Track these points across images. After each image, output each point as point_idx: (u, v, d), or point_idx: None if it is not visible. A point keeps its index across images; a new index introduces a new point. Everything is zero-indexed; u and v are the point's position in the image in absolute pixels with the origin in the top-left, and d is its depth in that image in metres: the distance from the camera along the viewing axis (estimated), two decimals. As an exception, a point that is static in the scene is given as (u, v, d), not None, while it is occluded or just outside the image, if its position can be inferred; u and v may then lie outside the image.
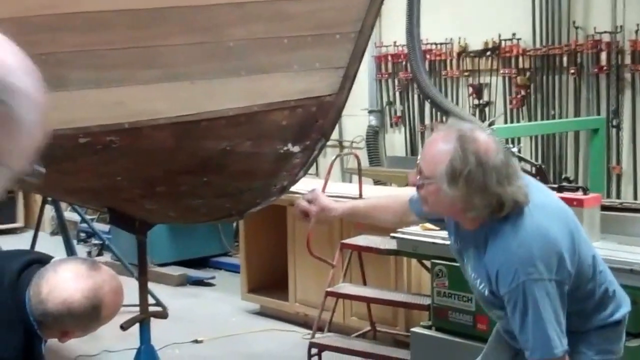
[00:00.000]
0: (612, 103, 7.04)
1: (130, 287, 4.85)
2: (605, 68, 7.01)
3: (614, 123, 6.98)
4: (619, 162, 7.04)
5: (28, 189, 7.01)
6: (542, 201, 2.66)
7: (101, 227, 8.35)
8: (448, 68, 8.04)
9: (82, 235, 8.90)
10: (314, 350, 5.39)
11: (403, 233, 4.74)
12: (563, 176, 6.22)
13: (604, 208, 4.36)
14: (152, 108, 3.27)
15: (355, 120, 8.32)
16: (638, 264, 3.75)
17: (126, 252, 6.86)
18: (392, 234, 4.88)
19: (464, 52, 7.89)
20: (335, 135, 8.39)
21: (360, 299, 5.57)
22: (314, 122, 3.18)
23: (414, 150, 8.27)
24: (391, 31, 8.03)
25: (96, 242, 8.54)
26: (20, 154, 1.11)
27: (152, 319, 4.32)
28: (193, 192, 3.58)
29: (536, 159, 7.40)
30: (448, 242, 2.98)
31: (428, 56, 7.92)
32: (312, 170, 8.22)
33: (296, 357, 5.61)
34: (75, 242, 8.84)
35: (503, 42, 7.59)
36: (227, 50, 3.11)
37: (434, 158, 2.57)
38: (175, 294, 7.43)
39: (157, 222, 4.10)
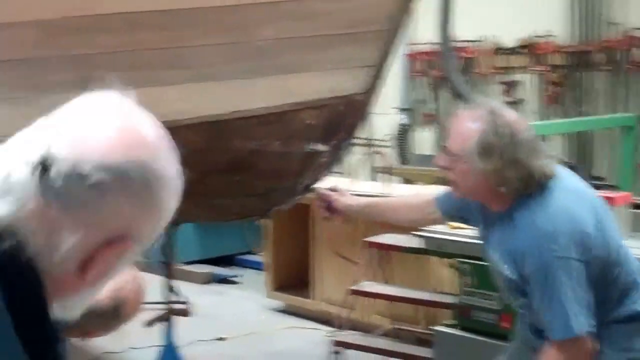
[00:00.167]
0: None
1: (155, 285, 4.97)
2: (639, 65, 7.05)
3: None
4: (650, 160, 7.04)
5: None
6: (572, 185, 2.75)
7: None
8: (481, 65, 8.08)
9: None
10: (336, 349, 5.46)
11: (429, 232, 4.77)
12: (593, 174, 6.25)
13: (635, 206, 4.42)
14: (182, 108, 3.34)
15: (386, 119, 8.36)
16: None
17: (152, 249, 6.99)
18: (417, 233, 4.92)
19: (497, 49, 7.93)
20: (364, 132, 8.45)
21: (384, 297, 5.61)
22: (343, 121, 3.25)
23: (443, 149, 8.25)
24: (424, 29, 8.04)
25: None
26: (155, 232, 1.21)
27: (176, 316, 4.40)
28: (222, 191, 3.64)
29: (568, 157, 7.42)
30: (474, 241, 3.05)
31: (461, 54, 7.93)
32: (340, 168, 8.29)
33: (319, 355, 5.66)
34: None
35: (536, 39, 7.62)
36: (257, 50, 3.17)
37: (464, 134, 2.65)
38: (200, 292, 7.50)
39: (185, 221, 4.16)
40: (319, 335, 6.21)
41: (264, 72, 3.22)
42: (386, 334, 5.80)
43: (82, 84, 3.49)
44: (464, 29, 7.68)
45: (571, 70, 7.49)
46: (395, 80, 8.25)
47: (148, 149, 1.15)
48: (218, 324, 6.53)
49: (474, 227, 3.04)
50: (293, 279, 6.96)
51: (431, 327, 4.93)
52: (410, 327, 5.80)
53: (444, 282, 5.61)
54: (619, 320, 2.77)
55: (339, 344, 5.46)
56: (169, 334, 4.36)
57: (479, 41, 8.05)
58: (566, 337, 2.64)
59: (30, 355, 1.09)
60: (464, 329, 4.59)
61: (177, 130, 3.32)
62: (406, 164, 8.30)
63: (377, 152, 7.72)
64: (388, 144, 8.28)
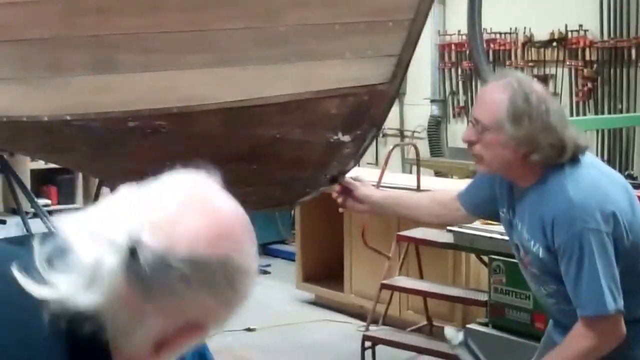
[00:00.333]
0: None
1: None
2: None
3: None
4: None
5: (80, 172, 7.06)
6: (605, 168, 2.68)
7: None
8: (512, 58, 7.88)
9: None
10: (367, 343, 5.33)
11: (460, 227, 4.66)
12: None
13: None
14: (202, 93, 3.23)
15: (417, 110, 8.22)
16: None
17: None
18: (448, 227, 4.80)
19: (529, 42, 7.72)
20: (396, 124, 8.31)
21: (415, 293, 5.49)
22: (366, 111, 3.08)
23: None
24: (456, 20, 7.89)
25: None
26: (230, 318, 1.25)
27: None
28: (244, 179, 3.51)
29: (602, 154, 7.23)
30: (506, 238, 2.91)
31: (492, 45, 7.79)
32: (372, 159, 8.16)
33: (349, 349, 5.55)
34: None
35: (570, 33, 7.40)
36: (279, 36, 3.05)
37: (493, 104, 2.55)
38: (230, 281, 7.40)
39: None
40: (350, 328, 6.08)
41: (286, 59, 3.08)
42: (420, 331, 5.66)
43: (101, 65, 3.37)
44: (496, 21, 7.52)
45: (605, 65, 7.26)
46: (427, 71, 8.10)
47: (234, 242, 1.18)
48: (247, 314, 6.29)
49: (500, 221, 2.87)
50: (324, 271, 6.81)
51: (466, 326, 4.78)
52: (445, 324, 5.61)
53: (479, 279, 5.44)
54: None
55: (370, 338, 5.32)
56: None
57: (511, 33, 7.84)
58: (598, 313, 2.50)
59: None
60: (496, 327, 4.45)
61: (197, 115, 3.25)
62: (438, 156, 8.12)
63: (409, 144, 7.56)
64: (420, 135, 8.12)
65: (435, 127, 8.22)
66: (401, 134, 8.35)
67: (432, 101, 8.28)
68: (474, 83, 8.21)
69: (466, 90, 8.31)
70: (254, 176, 3.47)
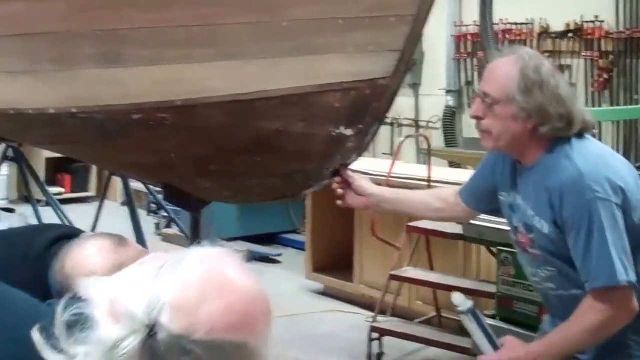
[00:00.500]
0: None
1: None
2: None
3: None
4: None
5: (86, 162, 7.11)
6: (610, 150, 2.72)
7: (170, 199, 8.42)
8: (528, 49, 7.84)
9: (153, 207, 8.98)
10: (374, 335, 5.37)
11: (470, 218, 4.66)
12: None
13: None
14: (205, 86, 3.28)
15: (433, 100, 8.23)
16: None
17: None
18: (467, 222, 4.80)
19: (545, 33, 7.70)
20: (411, 114, 8.32)
21: (424, 284, 5.52)
22: (368, 106, 3.11)
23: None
24: (471, 11, 7.88)
25: (165, 214, 8.63)
26: None
27: None
28: (246, 171, 3.57)
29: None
30: None
31: (507, 36, 7.77)
32: (387, 150, 8.18)
33: (357, 340, 5.58)
34: (145, 213, 8.98)
35: (585, 24, 7.38)
36: (282, 30, 3.09)
37: (504, 77, 2.58)
38: (240, 270, 7.44)
39: (212, 200, 4.11)
40: (358, 319, 6.11)
41: (289, 53, 3.12)
42: (429, 322, 5.69)
43: (107, 59, 3.42)
44: (512, 12, 7.51)
45: (621, 56, 7.24)
46: (442, 62, 8.10)
47: (251, 329, 1.21)
48: (255, 304, 6.41)
49: (500, 212, 2.88)
50: (333, 261, 6.85)
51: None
52: (454, 315, 5.64)
53: (490, 271, 5.46)
54: None
55: (377, 329, 5.36)
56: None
57: (526, 24, 7.83)
58: (610, 284, 2.48)
59: None
60: (504, 320, 4.46)
61: (200, 108, 3.30)
62: (453, 146, 8.12)
63: (420, 135, 7.56)
64: (435, 126, 8.13)
65: (451, 118, 8.23)
66: (416, 124, 8.36)
67: (448, 92, 8.28)
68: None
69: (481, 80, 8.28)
70: (257, 168, 3.52)
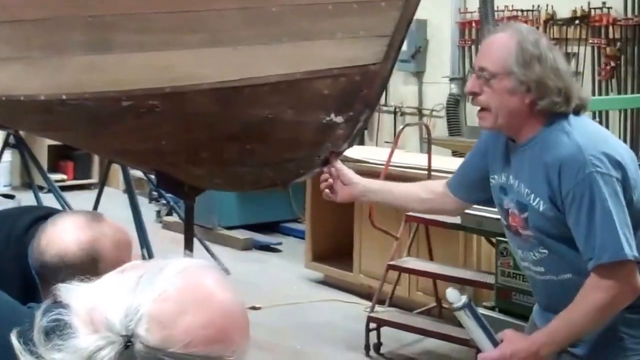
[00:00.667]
0: None
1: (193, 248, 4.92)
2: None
3: None
4: None
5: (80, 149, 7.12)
6: (608, 131, 2.73)
7: (170, 187, 8.43)
8: (524, 24, 7.79)
9: (154, 194, 9.00)
10: (372, 325, 5.36)
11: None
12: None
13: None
14: (195, 73, 3.28)
15: (436, 88, 8.19)
16: None
17: (194, 213, 6.89)
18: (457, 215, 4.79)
19: (551, 19, 7.65)
20: (415, 103, 8.29)
21: (422, 274, 5.51)
22: (358, 92, 3.10)
23: (495, 121, 8.08)
24: (475, -4, 7.85)
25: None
26: None
27: None
28: (237, 159, 3.58)
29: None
30: None
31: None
32: (390, 138, 8.16)
33: (356, 330, 5.59)
34: (147, 201, 9.00)
35: (592, 11, 7.33)
36: (270, 16, 3.09)
37: (501, 50, 2.56)
38: (239, 258, 7.48)
39: (205, 188, 4.11)
40: (358, 309, 6.11)
41: (277, 39, 3.12)
42: (428, 313, 5.68)
43: (96, 45, 3.41)
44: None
45: (629, 43, 7.19)
46: (447, 49, 8.06)
47: (228, 344, 1.20)
48: (253, 293, 6.45)
49: (491, 199, 2.85)
50: (334, 250, 6.85)
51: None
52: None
53: (490, 261, 5.46)
54: None
55: (375, 320, 5.36)
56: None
57: (532, 11, 7.78)
58: (616, 258, 2.43)
59: None
60: (502, 311, 4.46)
61: (189, 95, 3.30)
62: (457, 135, 8.10)
63: (420, 123, 7.53)
64: (439, 114, 8.10)
65: (454, 106, 8.18)
66: (420, 112, 8.33)
67: (452, 79, 8.24)
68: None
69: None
70: (248, 156, 3.52)
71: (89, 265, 2.31)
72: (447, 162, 6.09)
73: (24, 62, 3.66)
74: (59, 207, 6.92)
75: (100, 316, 1.17)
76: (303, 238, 7.38)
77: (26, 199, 7.87)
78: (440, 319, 5.56)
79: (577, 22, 7.48)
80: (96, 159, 10.63)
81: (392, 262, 5.47)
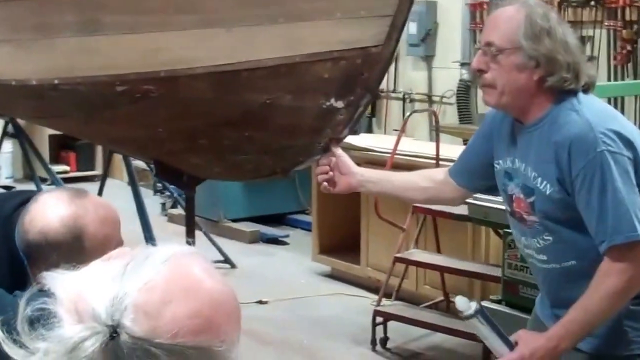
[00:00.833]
0: None
1: (198, 240, 4.89)
2: None
3: None
4: None
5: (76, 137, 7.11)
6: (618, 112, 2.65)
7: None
8: None
9: (158, 186, 8.96)
10: (379, 319, 5.32)
11: (475, 198, 4.59)
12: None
13: None
14: (188, 56, 3.26)
15: (447, 73, 8.10)
16: None
17: (197, 206, 6.85)
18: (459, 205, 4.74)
19: (565, 1, 7.57)
20: (424, 89, 8.22)
21: (430, 267, 5.46)
22: (359, 76, 3.06)
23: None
24: (487, -22, 7.77)
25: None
26: None
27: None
28: (236, 147, 3.56)
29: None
30: None
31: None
32: (398, 126, 8.08)
33: (362, 324, 5.55)
34: (152, 193, 8.97)
35: (608, -8, 7.26)
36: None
37: (508, 24, 2.49)
38: (246, 251, 7.44)
39: (204, 177, 4.08)
40: (365, 303, 6.06)
41: (273, 20, 3.09)
42: (436, 307, 5.64)
43: (87, 27, 3.38)
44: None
45: (646, 26, 7.12)
46: (457, 32, 7.97)
47: (217, 333, 1.18)
48: (260, 286, 6.43)
49: (495, 191, 2.81)
50: (341, 242, 6.78)
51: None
52: (463, 299, 5.59)
53: (499, 253, 5.40)
54: None
55: (381, 314, 5.32)
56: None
57: (547, -7, 7.70)
58: (629, 239, 2.39)
59: None
60: (509, 305, 4.41)
61: (184, 80, 3.27)
62: (468, 123, 8.02)
63: (427, 110, 7.45)
64: (449, 101, 8.02)
65: (465, 92, 8.09)
66: (429, 99, 8.25)
67: (462, 64, 8.14)
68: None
69: (499, 53, 8.17)
70: (247, 144, 3.50)
71: (74, 243, 2.28)
72: (457, 151, 6.00)
73: (14, 44, 3.63)
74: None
75: (85, 305, 1.16)
76: (310, 230, 7.34)
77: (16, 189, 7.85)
78: (448, 313, 5.49)
79: (592, 3, 7.40)
80: (99, 149, 10.58)
81: (398, 255, 5.41)
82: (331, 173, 3.03)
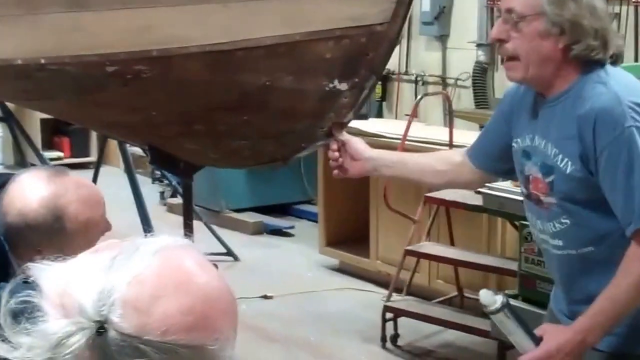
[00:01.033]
0: None
1: (199, 232, 4.88)
2: None
3: None
4: None
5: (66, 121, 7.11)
6: None
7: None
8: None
9: (157, 174, 8.95)
10: (389, 315, 5.32)
11: (490, 188, 4.59)
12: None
13: None
14: (182, 34, 3.24)
15: (462, 55, 8.05)
16: None
17: (198, 195, 6.84)
18: (479, 189, 4.73)
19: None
20: (438, 71, 8.17)
21: (443, 260, 5.45)
22: (364, 56, 3.03)
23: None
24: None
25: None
26: None
27: (222, 269, 4.30)
28: (233, 132, 3.55)
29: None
30: None
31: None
32: (410, 110, 8.05)
33: (372, 320, 5.55)
34: (150, 181, 8.96)
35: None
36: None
37: None
38: (249, 243, 7.44)
39: (201, 164, 4.08)
40: (375, 298, 6.03)
41: None
42: (449, 302, 5.63)
43: (74, 2, 3.37)
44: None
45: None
46: (473, 10, 7.91)
47: (211, 331, 1.18)
48: (264, 280, 6.44)
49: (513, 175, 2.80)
50: (349, 234, 6.78)
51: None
52: (476, 295, 5.56)
53: (516, 246, 5.37)
54: None
55: (391, 309, 5.31)
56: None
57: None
58: None
59: None
60: (526, 300, 4.41)
61: (178, 59, 3.25)
62: (484, 108, 7.98)
63: (442, 93, 7.41)
64: (464, 84, 7.98)
65: (481, 75, 8.04)
66: (443, 81, 8.20)
67: (478, 45, 8.09)
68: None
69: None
70: (245, 128, 3.48)
71: (54, 224, 2.27)
72: (472, 138, 5.97)
73: (1, 21, 3.62)
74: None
75: (71, 300, 1.16)
76: (317, 221, 7.33)
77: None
78: (461, 309, 5.50)
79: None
80: (94, 135, 10.58)
81: (409, 247, 5.40)
82: (340, 160, 3.01)
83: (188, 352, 1.16)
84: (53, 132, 10.57)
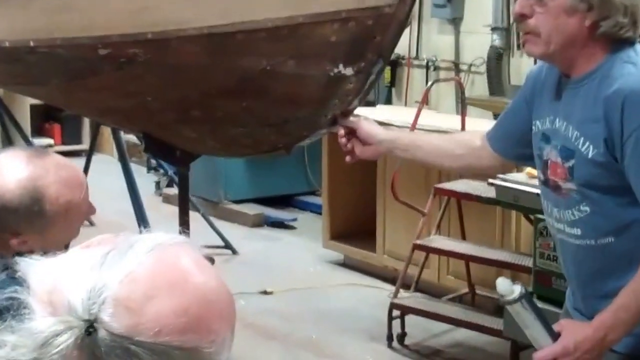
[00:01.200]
0: None
1: (196, 224, 4.89)
2: None
3: None
4: None
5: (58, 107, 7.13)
6: None
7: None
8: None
9: (152, 162, 8.97)
10: (395, 312, 5.33)
11: (504, 180, 4.60)
12: None
13: None
14: (179, 16, 3.24)
15: (476, 39, 8.05)
16: None
17: (195, 185, 6.87)
18: (490, 180, 4.74)
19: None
20: (451, 56, 8.18)
21: (453, 255, 5.47)
22: (370, 39, 3.03)
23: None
24: None
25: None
26: None
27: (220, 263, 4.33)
28: (232, 119, 3.56)
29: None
30: None
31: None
32: (420, 97, 8.05)
33: (378, 318, 5.58)
34: (145, 170, 8.98)
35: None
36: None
37: None
38: (249, 236, 7.47)
39: (198, 152, 4.08)
40: (381, 294, 6.08)
41: None
42: (460, 299, 5.64)
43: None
44: None
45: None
46: (487, -7, 7.92)
47: (206, 333, 1.19)
48: (264, 275, 6.47)
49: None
50: (354, 228, 6.79)
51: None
52: (489, 292, 5.58)
53: (531, 241, 5.39)
54: None
55: (398, 307, 5.32)
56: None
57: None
58: None
59: None
60: (541, 298, 4.38)
61: (175, 43, 3.26)
62: (499, 95, 7.99)
63: (454, 79, 7.42)
64: (479, 70, 7.99)
65: (497, 61, 8.03)
66: (456, 67, 8.19)
67: (494, 29, 8.09)
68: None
69: (535, 16, 8.10)
70: (245, 115, 3.49)
71: (33, 207, 2.28)
72: (486, 126, 5.97)
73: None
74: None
75: (60, 297, 1.16)
76: (321, 213, 7.35)
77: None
78: (472, 306, 5.51)
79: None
80: (87, 121, 10.61)
81: (418, 242, 5.41)
82: (350, 146, 3.04)
83: (182, 355, 1.16)
84: (44, 119, 10.59)
